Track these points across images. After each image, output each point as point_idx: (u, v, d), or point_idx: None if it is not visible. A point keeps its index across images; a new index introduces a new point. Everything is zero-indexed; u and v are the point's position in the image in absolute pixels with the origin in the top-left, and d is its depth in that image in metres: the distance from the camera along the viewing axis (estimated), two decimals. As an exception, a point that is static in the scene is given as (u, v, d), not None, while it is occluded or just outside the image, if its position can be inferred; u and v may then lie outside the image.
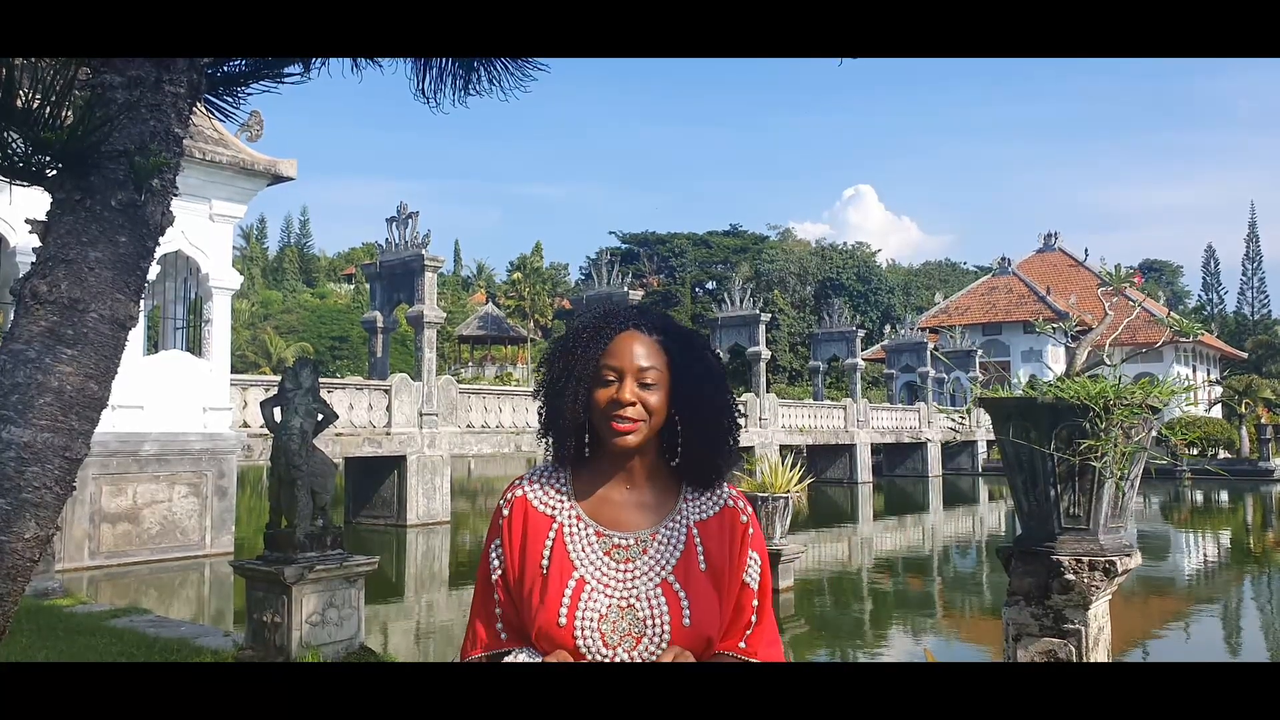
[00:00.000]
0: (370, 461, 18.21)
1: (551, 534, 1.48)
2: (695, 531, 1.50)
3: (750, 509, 1.57)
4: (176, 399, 13.76)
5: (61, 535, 11.63)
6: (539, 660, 1.41)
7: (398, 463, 18.08)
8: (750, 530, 1.54)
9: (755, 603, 1.52)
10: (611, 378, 1.47)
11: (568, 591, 1.43)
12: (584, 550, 1.47)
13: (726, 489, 1.56)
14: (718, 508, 1.53)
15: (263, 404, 6.03)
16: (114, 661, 5.44)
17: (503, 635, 1.47)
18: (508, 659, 1.45)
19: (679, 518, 1.51)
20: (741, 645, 1.50)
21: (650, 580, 1.45)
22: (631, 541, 1.48)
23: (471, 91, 2.37)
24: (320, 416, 5.92)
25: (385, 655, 6.22)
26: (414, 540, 17.13)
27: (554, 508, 1.50)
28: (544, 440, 1.54)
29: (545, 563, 1.46)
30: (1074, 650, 2.93)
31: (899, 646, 9.67)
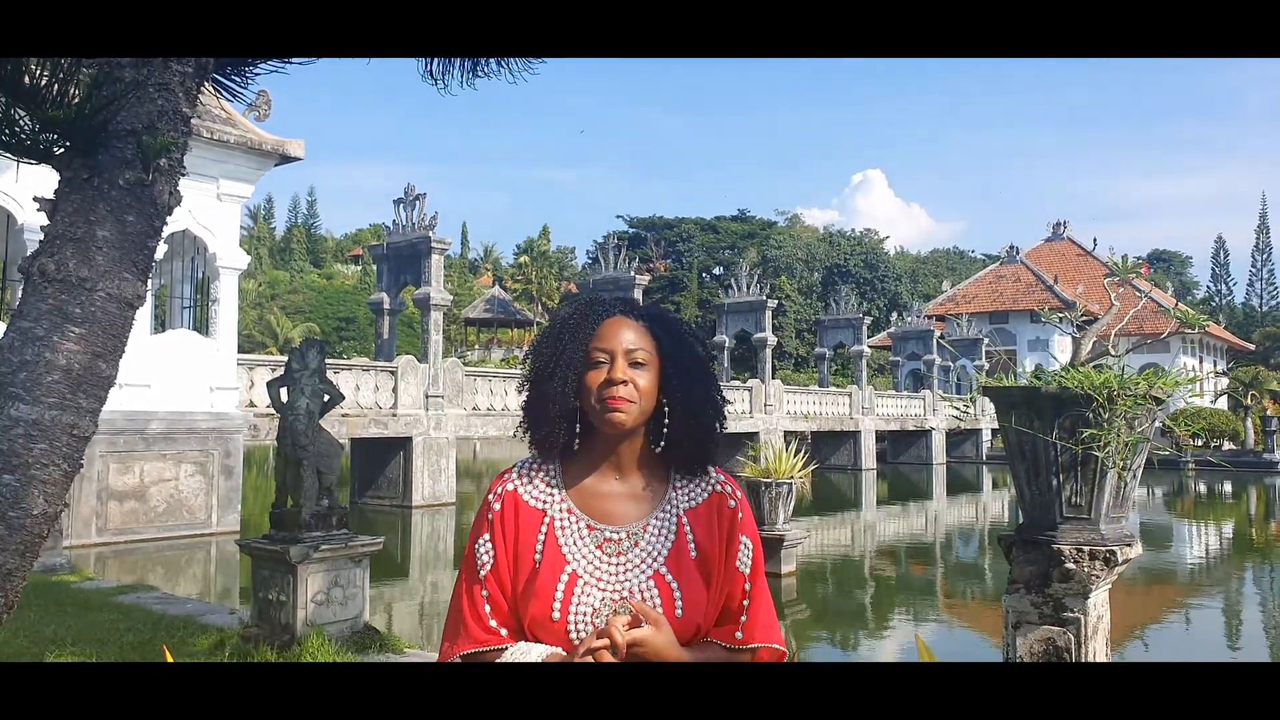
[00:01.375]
0: (376, 443, 18.28)
1: (543, 528, 1.47)
2: (685, 520, 1.50)
3: (740, 493, 1.56)
4: (183, 378, 13.82)
5: (69, 512, 11.72)
6: (549, 650, 1.40)
7: (403, 444, 18.15)
8: (740, 515, 1.53)
9: (747, 586, 1.51)
10: (602, 359, 1.47)
11: (560, 586, 1.43)
12: (576, 544, 1.46)
13: (714, 474, 1.55)
14: (706, 494, 1.53)
15: (269, 384, 6.06)
16: (114, 662, 5.49)
17: (502, 632, 1.45)
18: (512, 651, 1.42)
19: (669, 507, 1.51)
20: (738, 635, 1.49)
21: (643, 573, 1.45)
22: (623, 535, 1.48)
23: (479, 74, 2.37)
24: (326, 397, 5.94)
25: (389, 635, 6.27)
26: (419, 521, 17.22)
27: (545, 501, 1.50)
28: (531, 430, 1.51)
29: (538, 557, 1.46)
30: (1073, 639, 2.94)
31: (900, 633, 9.71)
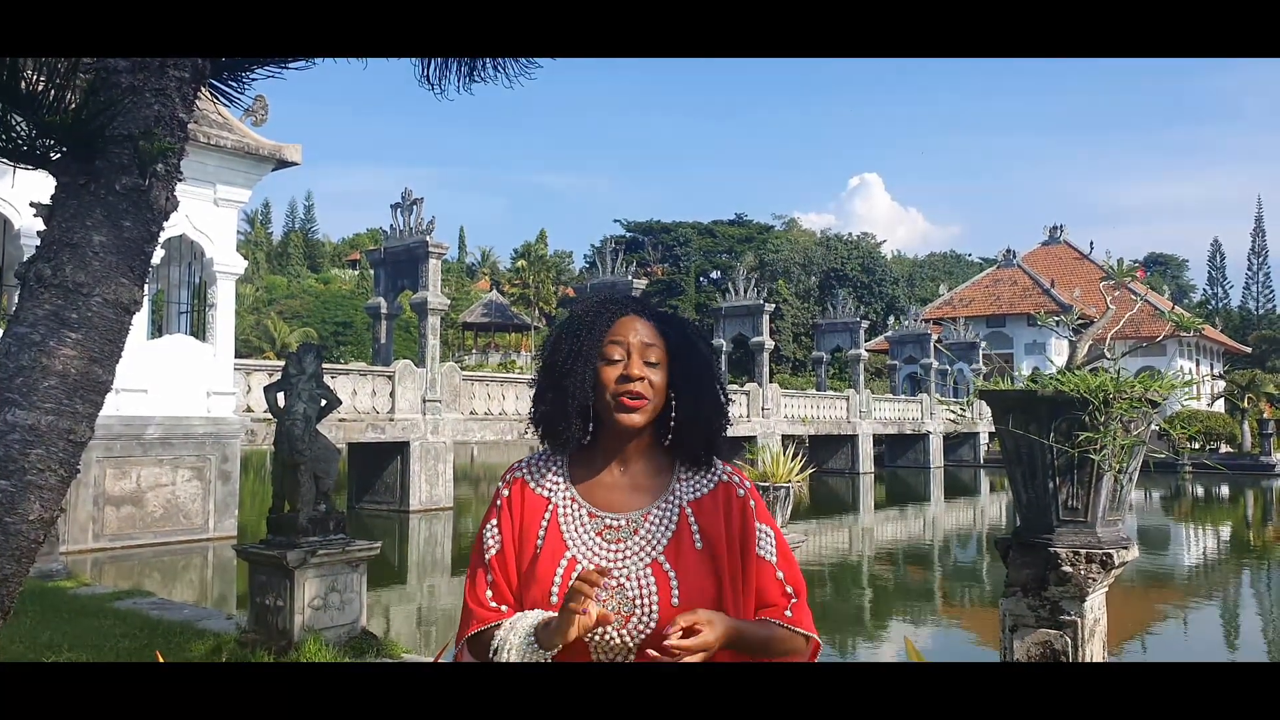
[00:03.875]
0: (373, 447, 18.26)
1: (547, 515, 1.52)
2: (689, 511, 1.53)
3: (748, 483, 1.59)
4: (180, 383, 13.80)
5: (65, 518, 11.69)
6: (544, 614, 1.43)
7: (401, 449, 18.13)
8: (751, 503, 1.56)
9: (781, 575, 1.53)
10: (618, 356, 1.51)
11: (559, 570, 1.47)
12: (576, 531, 1.50)
13: (721, 466, 1.59)
14: (712, 485, 1.56)
15: (266, 389, 6.05)
16: (114, 662, 5.47)
17: (504, 608, 1.49)
18: (509, 621, 1.45)
19: (672, 498, 1.54)
20: (788, 614, 1.52)
21: (640, 560, 1.48)
22: (623, 522, 1.51)
23: (476, 79, 2.37)
24: (323, 402, 5.93)
25: (386, 640, 6.26)
26: (416, 526, 17.19)
27: (550, 489, 1.54)
28: (542, 426, 1.55)
29: (539, 542, 1.50)
30: (1070, 642, 2.94)
31: (898, 636, 9.71)
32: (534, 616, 1.44)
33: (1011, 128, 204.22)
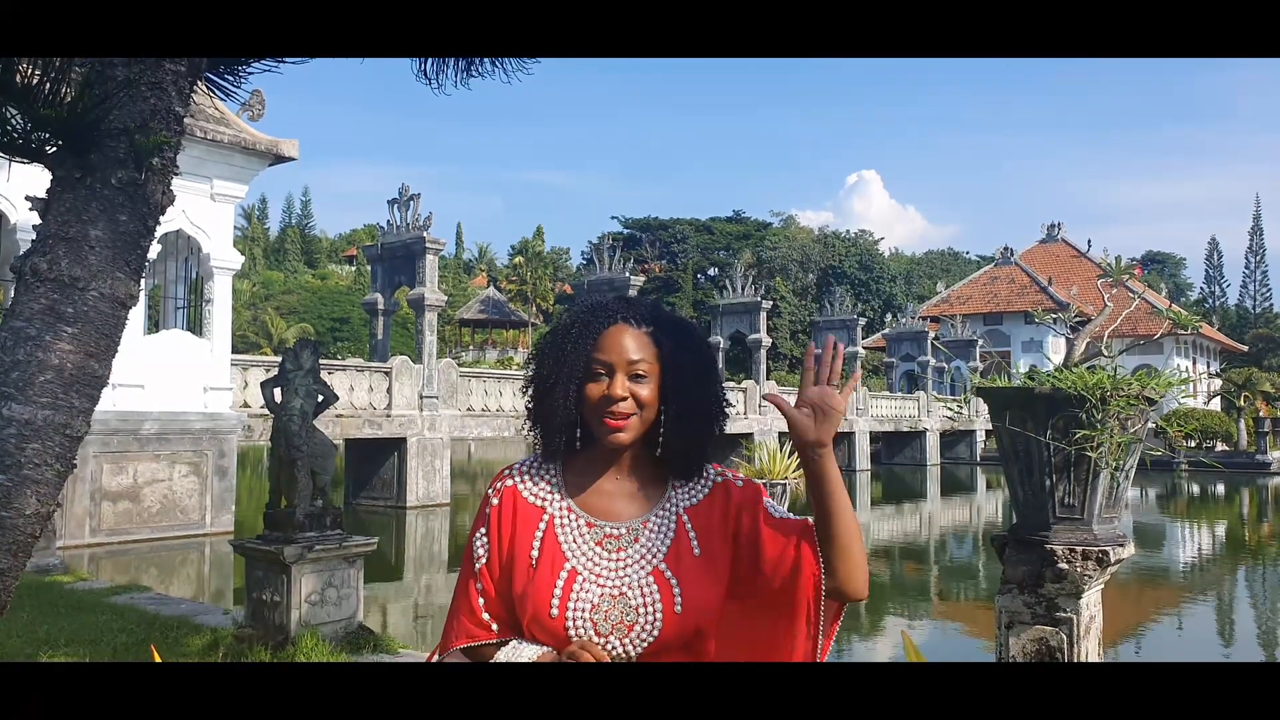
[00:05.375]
0: (370, 443, 18.25)
1: (542, 525, 1.48)
2: (686, 518, 1.49)
3: (743, 477, 1.55)
4: (177, 378, 13.78)
5: (62, 512, 11.68)
6: (541, 650, 1.41)
7: (398, 445, 18.12)
8: (747, 491, 1.52)
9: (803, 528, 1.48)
10: (602, 372, 1.46)
11: (559, 582, 1.43)
12: (575, 541, 1.47)
13: (713, 471, 1.55)
14: (707, 490, 1.52)
15: (263, 384, 6.04)
16: (112, 661, 5.47)
17: (493, 626, 1.46)
18: (506, 650, 1.43)
19: (669, 506, 1.50)
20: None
21: (642, 569, 1.45)
22: (622, 531, 1.48)
23: (474, 74, 2.37)
24: (320, 398, 5.93)
25: (383, 635, 6.26)
26: (413, 522, 17.19)
27: (544, 499, 1.50)
28: (534, 433, 1.53)
29: (535, 554, 1.46)
30: (1065, 639, 2.95)
31: (893, 634, 9.72)
32: (531, 652, 1.41)
33: (1010, 126, 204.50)
